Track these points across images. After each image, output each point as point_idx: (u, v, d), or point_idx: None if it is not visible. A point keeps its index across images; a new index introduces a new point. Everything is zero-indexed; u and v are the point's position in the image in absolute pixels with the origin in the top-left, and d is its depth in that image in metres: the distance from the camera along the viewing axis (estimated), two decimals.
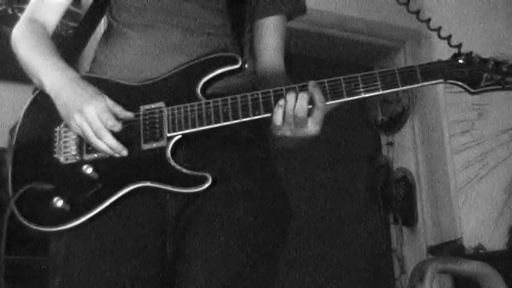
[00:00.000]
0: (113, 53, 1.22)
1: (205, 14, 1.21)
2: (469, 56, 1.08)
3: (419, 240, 3.26)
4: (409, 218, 3.33)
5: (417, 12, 1.15)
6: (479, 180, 3.15)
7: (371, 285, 3.33)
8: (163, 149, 1.09)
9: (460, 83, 1.08)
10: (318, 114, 1.04)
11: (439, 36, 1.12)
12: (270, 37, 1.29)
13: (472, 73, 1.08)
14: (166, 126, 1.09)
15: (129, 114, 1.10)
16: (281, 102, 1.05)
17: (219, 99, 1.08)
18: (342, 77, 1.08)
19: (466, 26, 3.12)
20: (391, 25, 3.22)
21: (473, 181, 3.14)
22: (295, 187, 3.38)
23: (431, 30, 1.14)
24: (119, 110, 1.10)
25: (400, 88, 1.07)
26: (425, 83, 1.08)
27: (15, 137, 1.17)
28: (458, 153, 3.17)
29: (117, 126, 1.07)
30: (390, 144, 3.55)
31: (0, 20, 2.39)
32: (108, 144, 1.07)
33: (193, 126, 1.08)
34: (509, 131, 3.21)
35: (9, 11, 2.43)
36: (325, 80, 1.07)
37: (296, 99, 1.04)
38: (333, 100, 1.06)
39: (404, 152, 3.47)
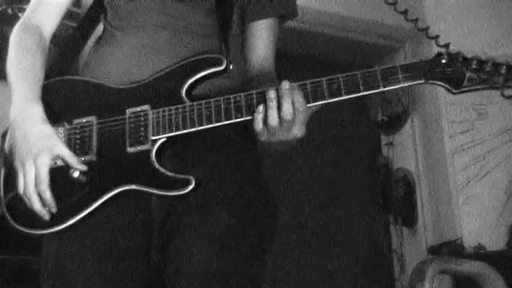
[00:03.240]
0: (102, 56, 1.23)
1: (193, 14, 1.22)
2: (451, 55, 1.06)
3: (419, 240, 3.26)
4: (409, 218, 3.33)
5: (405, 13, 1.15)
6: (479, 180, 3.15)
7: (371, 285, 3.33)
8: (148, 152, 1.09)
9: (441, 83, 1.07)
10: (301, 117, 1.04)
11: (427, 36, 1.12)
12: (260, 40, 1.29)
13: (455, 73, 1.06)
14: (151, 129, 1.10)
15: (82, 167, 1.09)
16: (260, 108, 1.05)
17: (203, 101, 1.08)
18: (324, 78, 1.07)
19: (464, 26, 3.12)
20: (391, 25, 3.22)
21: (473, 181, 3.14)
22: (295, 187, 3.39)
23: (419, 30, 1.14)
24: (73, 162, 1.08)
25: (382, 89, 1.06)
26: (406, 84, 1.07)
27: (6, 141, 1.18)
28: (458, 153, 3.17)
29: (47, 194, 1.06)
30: (390, 144, 3.55)
31: (0, 20, 2.40)
32: (33, 208, 1.07)
33: (177, 129, 1.09)
34: (509, 131, 3.21)
35: (9, 11, 2.43)
36: (307, 82, 1.07)
37: (279, 103, 1.04)
38: (315, 102, 1.06)
39: (404, 152, 3.48)
